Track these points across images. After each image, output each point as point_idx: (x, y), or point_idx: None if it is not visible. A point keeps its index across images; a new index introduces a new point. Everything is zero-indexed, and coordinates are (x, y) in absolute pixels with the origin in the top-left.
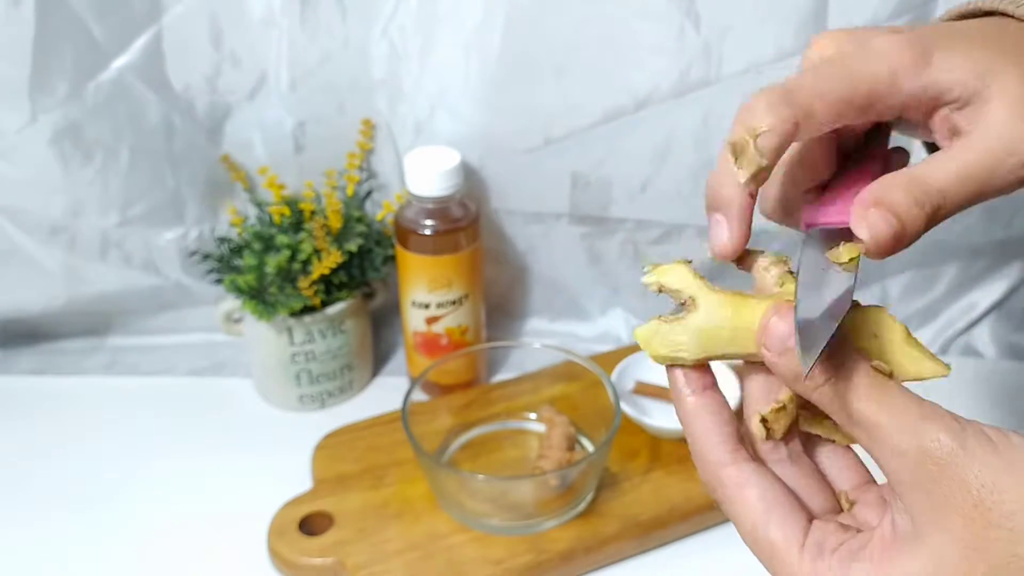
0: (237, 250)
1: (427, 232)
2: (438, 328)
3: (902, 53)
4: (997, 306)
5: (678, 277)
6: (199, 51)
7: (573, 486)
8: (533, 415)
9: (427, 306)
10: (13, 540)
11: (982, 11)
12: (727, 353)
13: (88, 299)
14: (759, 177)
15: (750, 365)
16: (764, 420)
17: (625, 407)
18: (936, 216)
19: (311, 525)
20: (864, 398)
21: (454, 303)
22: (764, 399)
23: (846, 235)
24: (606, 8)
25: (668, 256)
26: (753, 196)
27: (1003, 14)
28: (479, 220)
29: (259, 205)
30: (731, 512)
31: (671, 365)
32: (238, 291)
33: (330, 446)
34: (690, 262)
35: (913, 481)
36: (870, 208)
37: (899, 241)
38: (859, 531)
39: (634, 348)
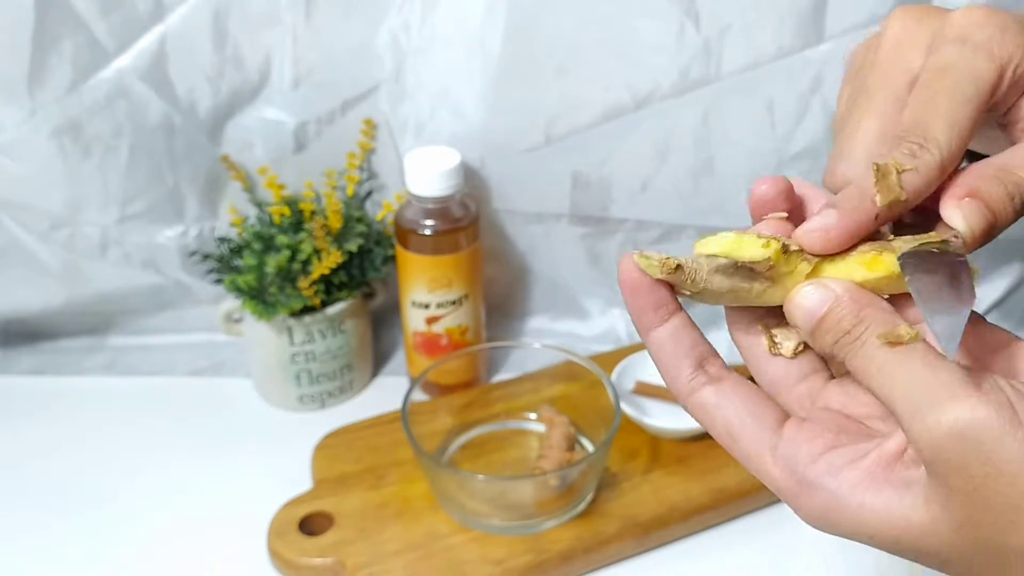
0: (237, 250)
1: (427, 232)
2: (438, 328)
3: (1006, 47)
4: (997, 306)
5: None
6: (202, 52)
7: (573, 486)
8: (533, 415)
9: (427, 306)
10: (13, 540)
11: None
12: (747, 302)
13: (88, 298)
14: (893, 208)
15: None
16: (771, 335)
17: (625, 407)
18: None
19: (311, 525)
20: (872, 376)
21: (454, 303)
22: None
23: (942, 245)
24: (606, 7)
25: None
26: (878, 220)
27: None
28: (479, 220)
29: (259, 205)
30: (709, 431)
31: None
32: (238, 291)
33: (330, 446)
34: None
35: (924, 455)
36: (964, 199)
37: (991, 233)
38: (840, 428)
39: (634, 348)
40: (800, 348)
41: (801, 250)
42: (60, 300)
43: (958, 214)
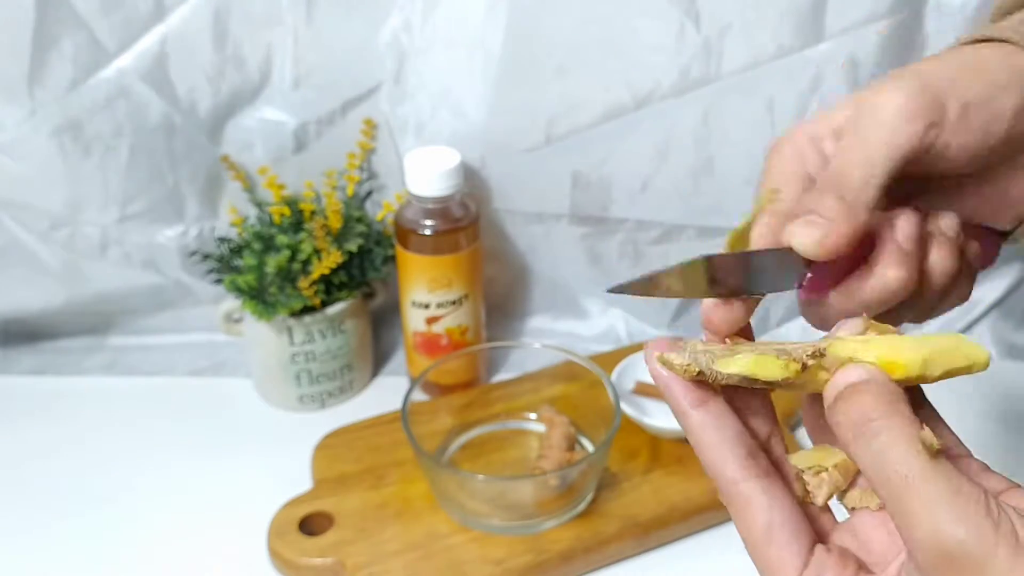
0: (237, 250)
1: (427, 232)
2: (438, 328)
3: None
4: (997, 305)
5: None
6: (202, 52)
7: (573, 486)
8: (533, 415)
9: (427, 306)
10: (13, 540)
11: (986, 38)
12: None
13: (88, 298)
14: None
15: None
16: (804, 483)
17: (625, 407)
18: (850, 193)
19: (311, 525)
20: (903, 476)
21: (454, 303)
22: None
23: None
24: (607, 7)
25: (667, 257)
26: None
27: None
28: (479, 220)
29: (259, 205)
30: (738, 526)
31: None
32: (238, 291)
33: (330, 446)
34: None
35: (921, 554)
36: (798, 219)
37: (836, 242)
38: (859, 566)
39: (634, 348)
40: (830, 497)
41: (821, 358)
42: (60, 300)
43: (792, 234)
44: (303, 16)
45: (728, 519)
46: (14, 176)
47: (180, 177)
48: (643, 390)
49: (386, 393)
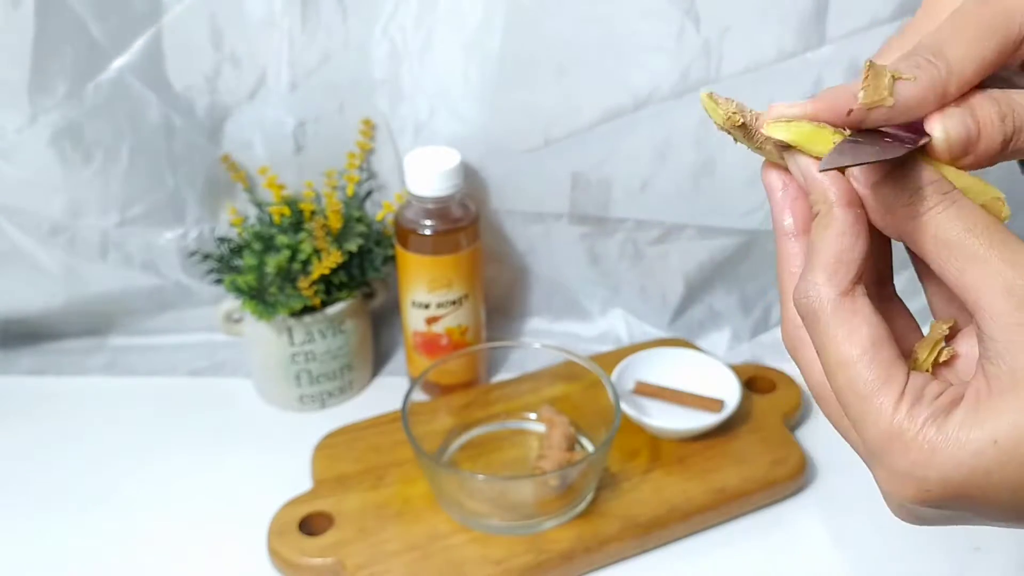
0: (237, 250)
1: (427, 232)
2: (438, 328)
3: None
4: None
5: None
6: (199, 51)
7: (573, 486)
8: (533, 415)
9: (427, 306)
10: (13, 540)
11: None
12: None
13: (88, 299)
14: (874, 112)
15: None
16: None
17: (625, 407)
18: (1015, 143)
19: (311, 525)
20: (970, 230)
21: (454, 303)
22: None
23: (914, 141)
24: (606, 8)
25: (667, 257)
26: (852, 117)
27: None
28: (479, 220)
29: (259, 205)
30: (829, 342)
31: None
32: (238, 291)
33: (330, 446)
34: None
35: (1012, 324)
36: (956, 108)
37: (970, 148)
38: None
39: (634, 348)
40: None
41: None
42: (60, 301)
43: (939, 117)
44: (299, 16)
45: (729, 519)
46: (14, 182)
47: (180, 178)
48: (643, 390)
49: (386, 393)
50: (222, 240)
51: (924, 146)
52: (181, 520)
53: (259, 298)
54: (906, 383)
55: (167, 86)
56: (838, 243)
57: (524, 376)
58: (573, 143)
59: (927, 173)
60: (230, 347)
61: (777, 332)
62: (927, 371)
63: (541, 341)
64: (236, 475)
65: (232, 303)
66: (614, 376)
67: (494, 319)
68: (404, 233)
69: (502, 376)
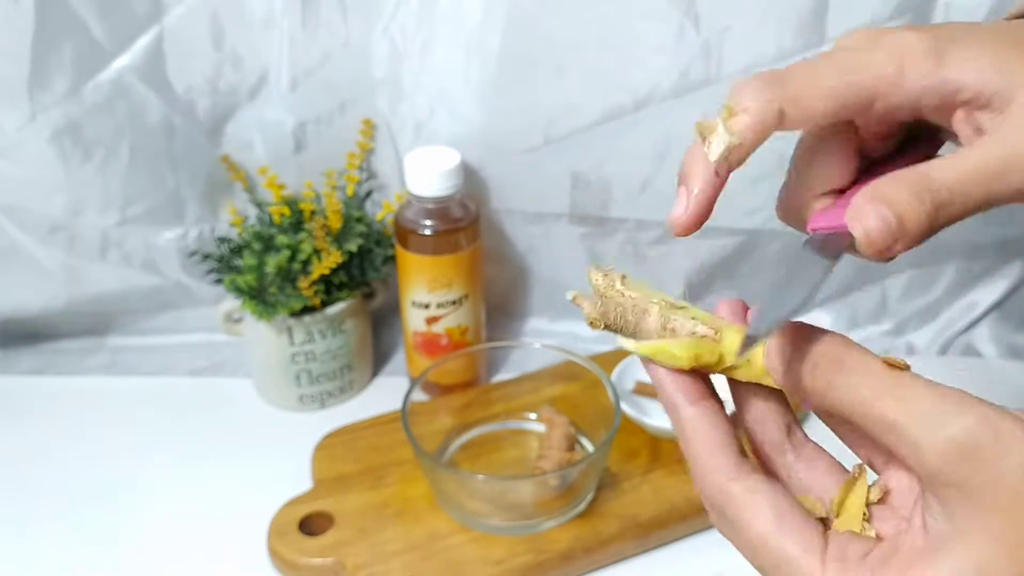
0: (237, 250)
1: (427, 232)
2: (438, 328)
3: (912, 49)
4: (997, 306)
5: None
6: (200, 51)
7: (573, 486)
8: (533, 415)
9: (427, 306)
10: (13, 539)
11: None
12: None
13: (88, 299)
14: (732, 157)
15: (749, 388)
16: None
17: (625, 407)
18: (939, 216)
19: (311, 525)
20: (880, 397)
21: (454, 303)
22: (765, 419)
23: (846, 239)
24: (606, 8)
25: (667, 257)
26: (720, 176)
27: None
28: (479, 220)
29: (259, 205)
30: (739, 528)
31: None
32: (238, 291)
33: (330, 446)
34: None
35: (945, 479)
36: (867, 203)
37: (896, 239)
38: (878, 539)
39: None
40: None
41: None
42: (60, 301)
43: (857, 220)
44: (300, 16)
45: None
46: (14, 180)
47: (180, 178)
48: (643, 390)
49: (386, 393)
50: (222, 240)
51: (847, 254)
52: (181, 520)
53: (259, 298)
54: (825, 546)
55: (168, 86)
56: (701, 438)
57: (524, 376)
58: (573, 143)
59: (819, 346)
60: (230, 347)
61: None
62: (861, 514)
63: (541, 341)
64: (236, 475)
65: (232, 303)
66: (614, 376)
67: (494, 319)
68: (404, 233)
69: (502, 376)
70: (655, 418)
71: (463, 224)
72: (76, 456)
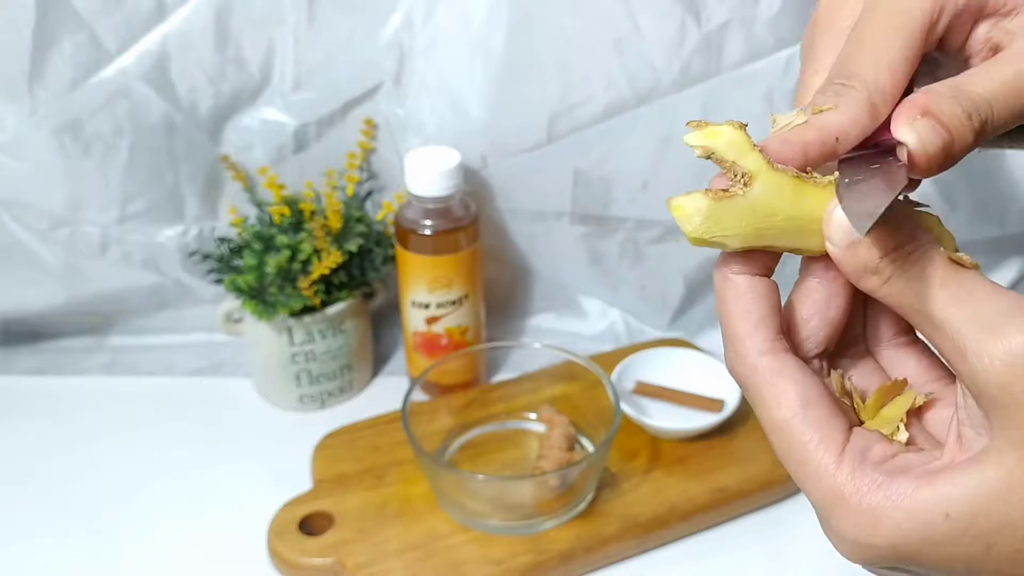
0: (237, 250)
1: (427, 232)
2: (438, 328)
3: None
4: None
5: (733, 143)
6: (203, 52)
7: (573, 486)
8: (533, 415)
9: (427, 306)
10: (13, 539)
11: None
12: (779, 245)
13: (88, 298)
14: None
15: (805, 270)
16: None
17: (625, 407)
18: (984, 131)
19: (311, 525)
20: (940, 291)
21: (454, 303)
22: (817, 313)
23: (885, 156)
24: (608, 4)
25: (667, 257)
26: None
27: None
28: (479, 220)
29: (259, 205)
30: (761, 407)
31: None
32: (238, 291)
33: (330, 446)
34: (745, 125)
35: (993, 387)
36: (917, 118)
37: (949, 155)
38: (907, 446)
39: (634, 348)
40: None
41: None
42: (60, 300)
43: (910, 131)
44: (304, 16)
45: (729, 519)
46: (14, 176)
47: (180, 177)
48: (643, 390)
49: (386, 393)
50: (222, 240)
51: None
52: (181, 520)
53: (259, 298)
54: (846, 442)
55: (170, 85)
56: (739, 307)
57: (524, 376)
58: (575, 141)
59: (898, 234)
60: (230, 347)
61: None
62: (898, 420)
63: (541, 341)
64: (236, 475)
65: (232, 303)
66: (614, 376)
67: (494, 319)
68: (404, 233)
69: (502, 376)
70: (655, 418)
71: (463, 224)
72: (76, 456)
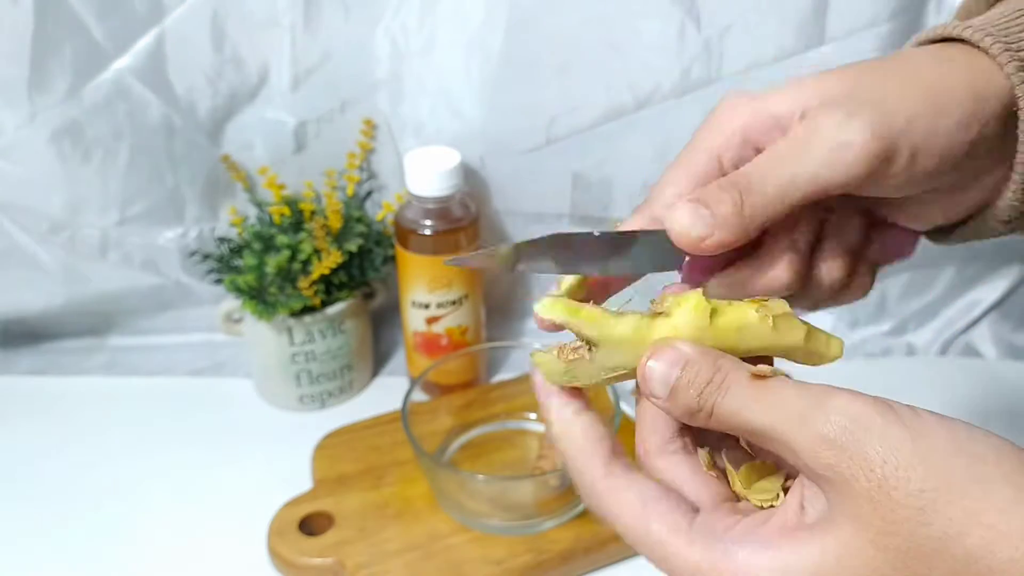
0: (237, 250)
1: (427, 232)
2: (438, 328)
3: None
4: (997, 306)
5: (564, 313)
6: (201, 52)
7: (573, 486)
8: (533, 415)
9: (427, 306)
10: (13, 539)
11: (943, 38)
12: (626, 379)
13: (88, 299)
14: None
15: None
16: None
17: (625, 407)
18: (746, 205)
19: (311, 525)
20: (755, 406)
21: (454, 303)
22: (655, 425)
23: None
24: (607, 7)
25: None
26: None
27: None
28: (479, 220)
29: (259, 205)
30: (616, 522)
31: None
32: (238, 291)
33: (330, 446)
34: (582, 279)
35: (822, 469)
36: (681, 202)
37: (712, 229)
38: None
39: None
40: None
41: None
42: (60, 301)
43: (671, 214)
44: (301, 16)
45: None
46: (14, 179)
47: (180, 178)
48: None
49: (386, 393)
50: (222, 240)
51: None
52: (181, 520)
53: (259, 298)
54: (691, 526)
55: (168, 86)
56: (571, 441)
57: (524, 376)
58: (574, 143)
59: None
60: (230, 347)
61: None
62: (780, 491)
63: (541, 341)
64: (236, 475)
65: (232, 303)
66: None
67: (494, 319)
68: (404, 233)
69: (502, 376)
70: None
71: (463, 224)
72: (76, 456)
